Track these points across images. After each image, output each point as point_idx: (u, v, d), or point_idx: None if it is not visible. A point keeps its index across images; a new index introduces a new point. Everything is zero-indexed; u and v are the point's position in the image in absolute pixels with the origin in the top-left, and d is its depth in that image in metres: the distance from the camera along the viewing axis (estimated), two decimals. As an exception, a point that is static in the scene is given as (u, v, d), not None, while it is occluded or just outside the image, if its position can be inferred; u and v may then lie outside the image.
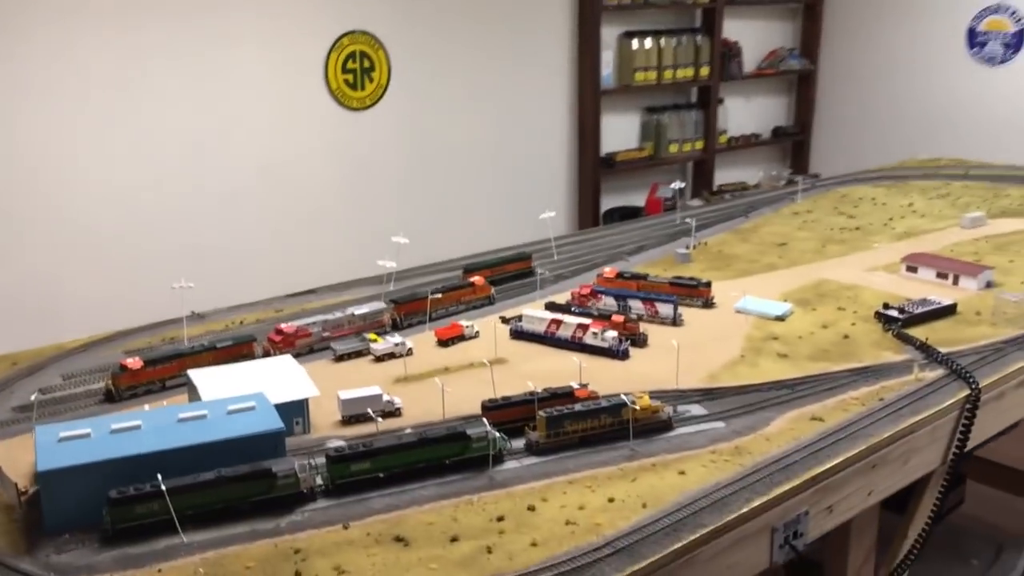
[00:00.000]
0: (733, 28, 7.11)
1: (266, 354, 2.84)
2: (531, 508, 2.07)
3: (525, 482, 2.18)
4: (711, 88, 7.02)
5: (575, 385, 2.46)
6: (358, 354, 2.92)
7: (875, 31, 7.42)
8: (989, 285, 3.57)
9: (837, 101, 7.71)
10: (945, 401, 2.62)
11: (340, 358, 2.90)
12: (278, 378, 2.54)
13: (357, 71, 5.45)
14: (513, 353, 2.96)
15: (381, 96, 5.62)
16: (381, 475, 2.15)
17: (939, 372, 2.78)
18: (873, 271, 3.81)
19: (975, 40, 6.94)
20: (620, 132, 6.71)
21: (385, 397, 2.50)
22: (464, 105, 5.93)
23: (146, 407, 2.39)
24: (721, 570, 2.06)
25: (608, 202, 6.64)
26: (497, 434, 2.24)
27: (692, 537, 1.97)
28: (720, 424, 2.45)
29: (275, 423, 2.16)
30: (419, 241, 5.50)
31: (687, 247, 4.05)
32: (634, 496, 2.11)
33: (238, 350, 2.79)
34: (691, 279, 3.41)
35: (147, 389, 2.65)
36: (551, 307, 3.21)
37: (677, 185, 4.51)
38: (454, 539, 1.96)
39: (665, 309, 3.20)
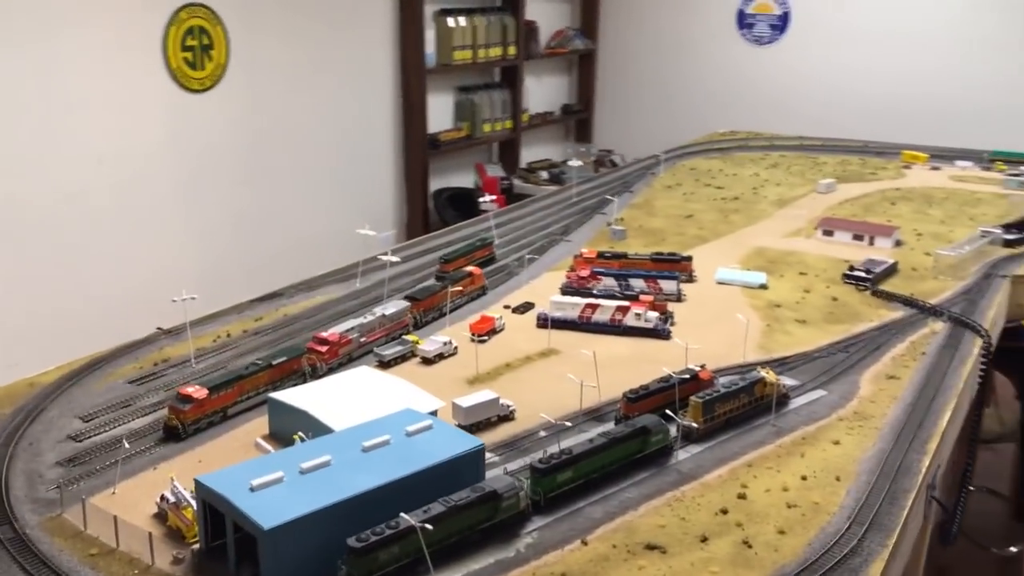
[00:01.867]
0: (531, 8, 7.21)
1: (312, 367, 2.53)
2: (742, 496, 2.03)
3: (709, 471, 2.13)
4: (517, 67, 7.10)
5: (696, 367, 2.43)
6: (403, 358, 2.69)
7: (651, 13, 7.85)
8: (898, 243, 3.94)
9: (618, 79, 8.07)
10: (971, 348, 2.86)
11: (387, 364, 2.65)
12: (382, 392, 2.28)
13: (196, 49, 4.90)
14: (557, 343, 2.85)
15: (221, 76, 5.10)
16: (582, 482, 2.01)
17: (940, 323, 3.04)
18: (794, 237, 4.07)
19: (744, 22, 7.55)
20: (437, 113, 6.59)
21: (501, 401, 2.33)
22: (298, 87, 5.55)
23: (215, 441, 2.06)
24: (914, 533, 2.15)
25: (432, 183, 6.51)
26: (669, 426, 2.17)
27: (906, 504, 2.02)
28: (822, 392, 2.53)
29: (472, 440, 1.94)
30: (262, 230, 5.11)
31: (609, 224, 4.09)
32: (819, 471, 2.13)
33: (291, 366, 2.47)
34: (672, 254, 3.46)
35: (210, 421, 2.27)
36: (567, 292, 3.14)
37: (574, 163, 4.53)
38: (703, 539, 1.88)
39: (668, 285, 3.23)
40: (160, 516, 1.90)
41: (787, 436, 2.30)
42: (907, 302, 3.22)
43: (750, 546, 1.86)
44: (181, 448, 2.19)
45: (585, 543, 1.86)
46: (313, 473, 1.78)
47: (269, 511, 1.65)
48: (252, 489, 1.71)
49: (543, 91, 7.69)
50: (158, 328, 2.85)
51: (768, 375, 2.40)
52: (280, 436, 2.21)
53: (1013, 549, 3.81)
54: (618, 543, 1.86)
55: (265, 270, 5.41)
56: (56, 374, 2.55)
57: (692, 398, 2.27)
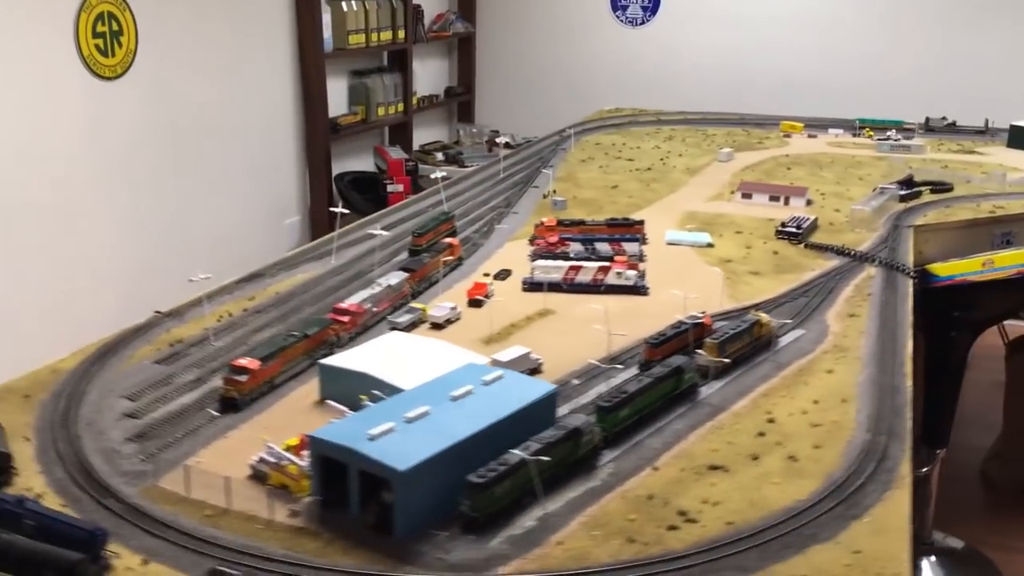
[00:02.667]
0: (415, -9, 7.31)
1: (336, 337, 2.63)
2: (771, 420, 2.29)
3: (734, 402, 2.38)
4: (407, 51, 7.19)
5: (699, 315, 2.67)
6: (413, 325, 2.82)
7: (527, -5, 8.10)
8: (809, 203, 4.32)
9: (498, 62, 8.28)
10: (906, 287, 3.24)
11: (401, 331, 2.77)
12: (424, 352, 2.43)
13: (107, 35, 4.77)
14: (548, 303, 3.04)
15: (131, 63, 4.97)
16: (636, 418, 2.21)
17: (873, 268, 3.41)
18: (716, 201, 4.40)
19: (618, 4, 7.90)
20: (334, 97, 6.61)
21: (532, 355, 2.51)
22: (205, 73, 5.46)
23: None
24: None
25: (333, 168, 6.54)
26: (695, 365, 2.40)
27: (907, 416, 2.33)
28: (801, 331, 2.83)
29: (545, 385, 2.12)
30: (179, 220, 5.07)
31: (546, 195, 4.30)
32: (825, 395, 2.41)
33: (322, 336, 2.56)
34: (625, 219, 3.70)
35: (261, 391, 2.35)
36: (540, 257, 3.32)
37: (505, 140, 4.69)
38: (754, 457, 2.13)
39: (631, 247, 3.47)
40: (257, 477, 1.98)
41: (787, 369, 2.57)
42: (839, 251, 3.58)
43: (796, 460, 2.11)
44: (241, 418, 2.26)
45: (656, 468, 2.07)
46: (418, 422, 1.91)
47: (397, 456, 1.78)
48: (371, 439, 1.83)
49: (427, 74, 7.81)
50: (156, 312, 2.86)
51: (763, 317, 2.68)
52: (332, 398, 2.30)
53: (924, 470, 4.27)
54: (684, 467, 2.08)
55: (184, 259, 5.35)
56: (72, 361, 2.54)
57: (707, 340, 2.52)
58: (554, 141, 5.61)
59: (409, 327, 2.79)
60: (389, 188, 6.20)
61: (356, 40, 6.55)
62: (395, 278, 2.94)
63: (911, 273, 3.37)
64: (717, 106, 6.90)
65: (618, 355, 2.61)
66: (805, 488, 1.99)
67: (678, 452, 2.14)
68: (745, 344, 2.59)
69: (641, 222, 3.70)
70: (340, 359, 2.36)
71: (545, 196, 4.36)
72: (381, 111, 6.95)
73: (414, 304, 2.87)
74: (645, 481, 2.01)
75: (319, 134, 6.31)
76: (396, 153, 6.59)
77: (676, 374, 2.33)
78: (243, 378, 2.27)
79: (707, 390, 2.44)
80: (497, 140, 7.30)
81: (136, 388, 2.39)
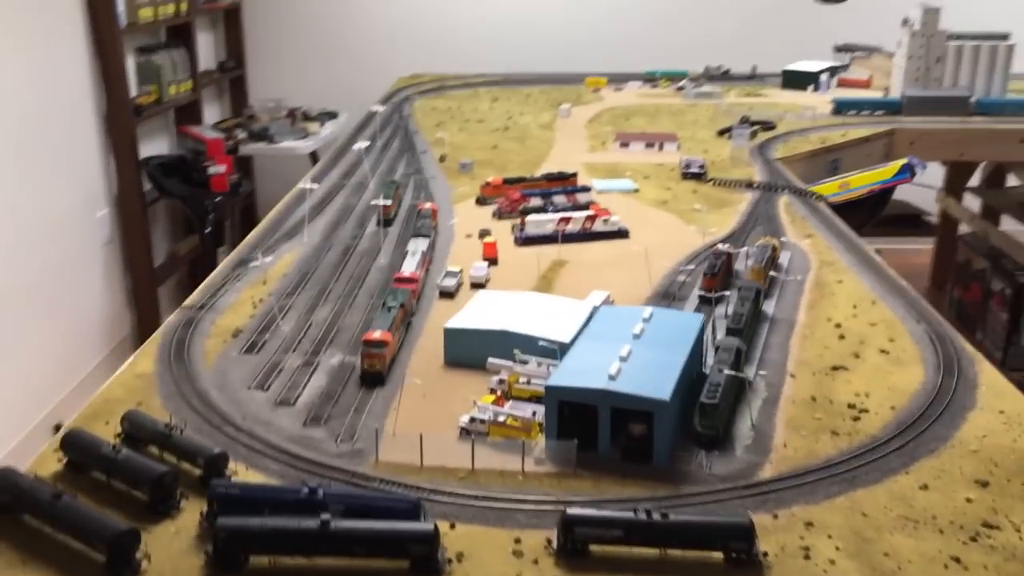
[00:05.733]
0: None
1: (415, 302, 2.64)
2: (837, 325, 2.63)
3: (795, 315, 2.70)
4: (190, 24, 6.78)
5: (721, 246, 2.96)
6: (460, 286, 2.88)
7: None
8: (678, 147, 4.75)
9: (271, 32, 8.01)
10: (821, 206, 3.73)
11: (451, 293, 2.83)
12: (533, 304, 2.52)
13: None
14: (547, 254, 3.18)
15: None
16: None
17: (784, 195, 3.87)
18: (599, 151, 4.70)
19: (392, -30, 7.92)
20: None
21: (609, 296, 2.68)
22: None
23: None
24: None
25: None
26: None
27: (921, 295, 2.77)
28: (787, 252, 3.20)
29: (696, 316, 2.34)
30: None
31: (440, 159, 4.39)
32: (859, 300, 2.80)
33: (408, 304, 2.57)
34: (559, 173, 3.91)
35: (392, 360, 2.35)
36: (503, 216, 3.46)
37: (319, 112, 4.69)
38: (856, 355, 2.46)
39: (584, 197, 3.69)
40: (471, 435, 2.01)
41: (807, 284, 2.93)
42: (748, 185, 4.01)
43: (887, 352, 2.46)
44: (392, 389, 2.24)
45: (793, 376, 2.34)
46: (631, 360, 2.04)
47: (650, 389, 1.91)
48: (612, 378, 1.94)
49: (202, 49, 7.42)
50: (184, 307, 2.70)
51: (774, 241, 3.02)
52: (461, 362, 2.35)
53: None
54: (813, 371, 2.36)
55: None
56: (145, 364, 2.37)
57: (752, 265, 2.81)
58: (389, 111, 5.59)
59: (457, 288, 2.84)
60: (211, 170, 5.90)
61: (146, 15, 6.11)
62: (422, 243, 2.97)
63: (817, 196, 3.87)
64: (508, 67, 7.17)
65: (667, 287, 2.85)
66: (916, 373, 2.35)
67: (796, 360, 2.42)
68: (771, 265, 2.91)
69: (574, 174, 3.92)
70: (464, 321, 2.40)
71: (442, 160, 4.43)
72: (173, 90, 6.54)
73: (451, 267, 2.92)
74: (796, 388, 2.27)
75: (122, 117, 5.85)
76: (210, 132, 6.25)
77: (757, 296, 2.60)
78: (382, 351, 2.26)
79: (768, 308, 2.73)
80: (295, 112, 7.16)
81: (253, 379, 2.28)
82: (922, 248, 7.73)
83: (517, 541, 1.69)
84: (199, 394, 2.20)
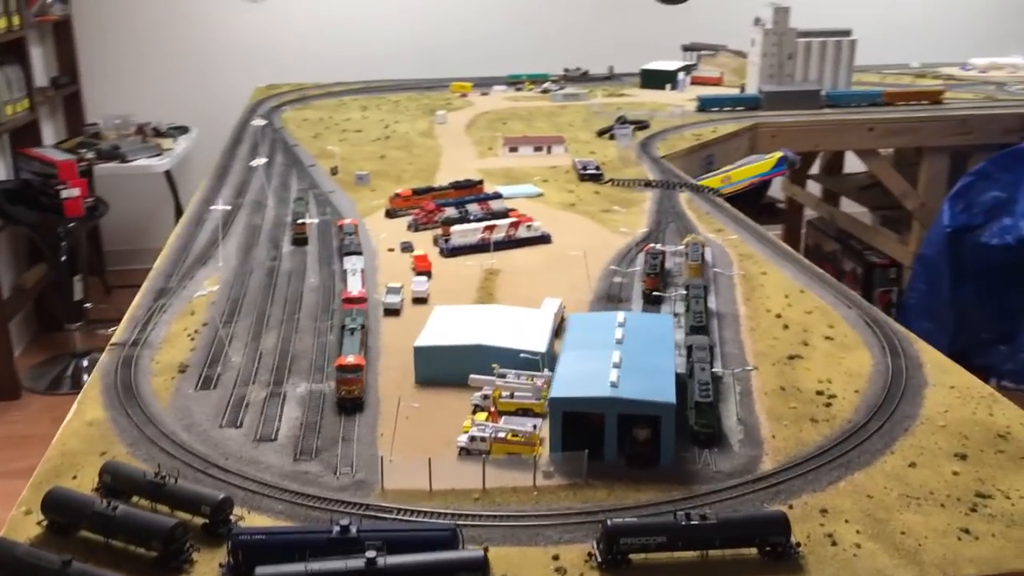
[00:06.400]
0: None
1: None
2: (778, 316, 2.74)
3: (737, 309, 2.79)
4: (23, 39, 6.34)
5: (656, 246, 3.02)
6: (401, 303, 2.82)
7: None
8: (566, 149, 4.81)
9: (108, 47, 7.59)
10: (713, 200, 3.88)
11: (396, 311, 2.77)
12: (489, 317, 2.50)
13: None
14: (475, 263, 3.16)
15: None
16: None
17: (683, 192, 4.00)
18: (488, 157, 4.71)
19: (233, -22, 7.65)
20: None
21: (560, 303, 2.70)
22: None
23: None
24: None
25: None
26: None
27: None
28: (708, 248, 3.31)
29: (665, 318, 2.40)
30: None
31: (333, 172, 4.30)
32: (786, 290, 2.92)
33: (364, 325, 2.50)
34: (466, 181, 3.89)
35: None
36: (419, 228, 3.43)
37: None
38: (804, 343, 2.57)
39: (497, 205, 3.68)
40: (470, 454, 1.99)
41: (735, 279, 3.04)
42: (646, 184, 4.12)
43: (832, 338, 2.58)
44: (372, 413, 2.18)
45: (756, 368, 2.41)
46: (624, 365, 2.05)
47: (654, 393, 1.94)
48: (614, 386, 1.96)
49: (35, 65, 6.95)
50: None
51: (700, 238, 3.11)
52: (433, 381, 2.31)
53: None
54: (773, 361, 2.45)
55: None
56: (91, 413, 2.21)
57: (688, 262, 2.89)
58: (260, 125, 5.40)
59: (400, 304, 2.79)
60: (64, 194, 5.54)
61: (-21, 30, 5.68)
62: (358, 261, 2.90)
63: (714, 192, 4.02)
64: (358, 75, 7.06)
65: (606, 289, 2.89)
66: (864, 356, 2.47)
67: (752, 352, 2.50)
68: (701, 263, 3.00)
69: (480, 181, 3.91)
70: (432, 339, 2.36)
71: (334, 173, 4.33)
72: (9, 110, 6.10)
73: (391, 284, 2.85)
74: (762, 379, 2.35)
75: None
76: (58, 154, 5.86)
77: (705, 292, 2.67)
78: (359, 375, 2.19)
79: (710, 304, 2.81)
80: (144, 128, 6.83)
81: (220, 416, 2.17)
82: (775, 234, 8.12)
83: (555, 558, 1.68)
84: (167, 437, 2.06)
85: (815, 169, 7.73)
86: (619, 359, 2.06)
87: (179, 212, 6.87)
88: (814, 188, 7.70)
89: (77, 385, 5.90)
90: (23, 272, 6.51)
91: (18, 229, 6.04)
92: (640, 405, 1.91)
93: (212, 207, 3.49)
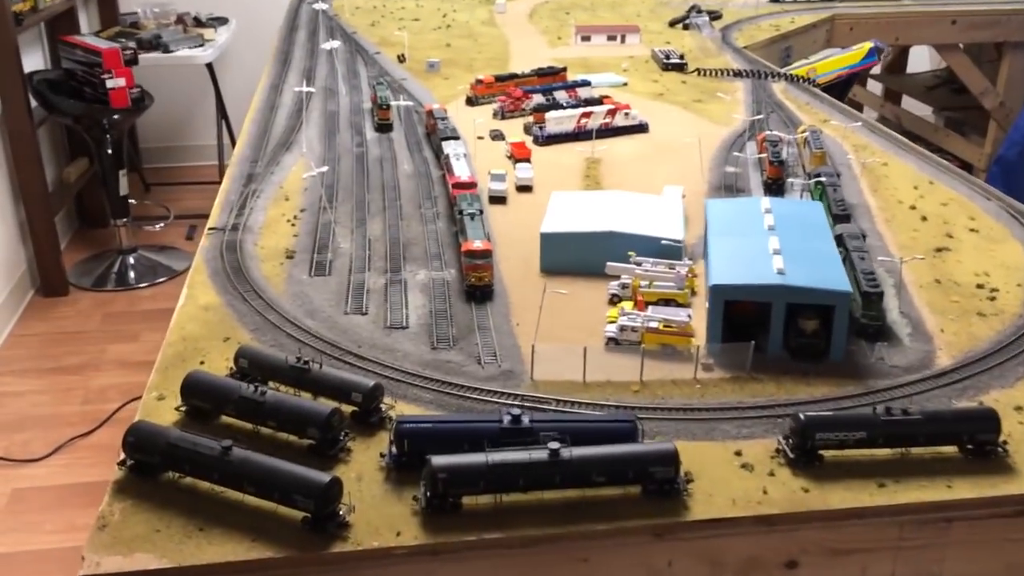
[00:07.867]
0: None
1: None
2: (912, 207, 2.57)
3: (862, 199, 2.62)
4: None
5: (775, 133, 2.83)
6: (506, 191, 2.66)
7: None
8: (641, 39, 4.57)
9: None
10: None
11: (499, 199, 2.61)
12: (612, 202, 2.34)
13: None
14: (568, 151, 2.99)
15: None
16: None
17: (775, 81, 3.78)
18: (559, 46, 4.48)
19: None
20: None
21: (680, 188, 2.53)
22: None
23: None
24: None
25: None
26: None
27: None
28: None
29: (816, 204, 2.21)
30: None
31: (400, 59, 4.09)
32: (910, 182, 2.75)
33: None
34: (549, 67, 3.68)
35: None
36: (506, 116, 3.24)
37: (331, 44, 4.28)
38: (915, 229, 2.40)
39: (585, 92, 3.48)
40: (619, 344, 1.85)
41: (856, 169, 2.86)
42: (736, 74, 3.89)
43: (977, 232, 2.42)
44: (502, 302, 2.04)
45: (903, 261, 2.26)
46: (785, 252, 1.89)
47: (828, 282, 1.78)
48: (781, 272, 1.80)
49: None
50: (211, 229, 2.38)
51: (817, 125, 2.91)
52: (559, 269, 2.16)
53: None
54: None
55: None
56: (204, 297, 2.07)
57: (813, 151, 2.70)
58: (321, 8, 5.16)
59: (506, 191, 2.62)
60: (109, 83, 5.32)
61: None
62: (459, 146, 2.71)
63: (810, 82, 3.80)
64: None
65: (720, 179, 2.71)
66: (1017, 247, 2.30)
67: (895, 245, 2.34)
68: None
69: (564, 69, 3.70)
70: (558, 225, 2.20)
71: (401, 61, 4.12)
72: (48, -3, 5.85)
73: (495, 170, 2.68)
74: (915, 272, 2.18)
75: (2, 24, 5.18)
76: (102, 42, 5.61)
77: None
78: (489, 261, 2.04)
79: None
80: (184, 17, 6.57)
81: (342, 302, 2.03)
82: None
83: (738, 454, 1.55)
84: (291, 323, 1.92)
85: (876, 68, 7.42)
86: (779, 245, 1.89)
87: (220, 106, 6.65)
88: (874, 87, 7.40)
89: (123, 282, 5.78)
90: (64, 166, 6.34)
91: (55, 122, 5.85)
92: (812, 294, 1.76)
93: (297, 88, 3.29)
